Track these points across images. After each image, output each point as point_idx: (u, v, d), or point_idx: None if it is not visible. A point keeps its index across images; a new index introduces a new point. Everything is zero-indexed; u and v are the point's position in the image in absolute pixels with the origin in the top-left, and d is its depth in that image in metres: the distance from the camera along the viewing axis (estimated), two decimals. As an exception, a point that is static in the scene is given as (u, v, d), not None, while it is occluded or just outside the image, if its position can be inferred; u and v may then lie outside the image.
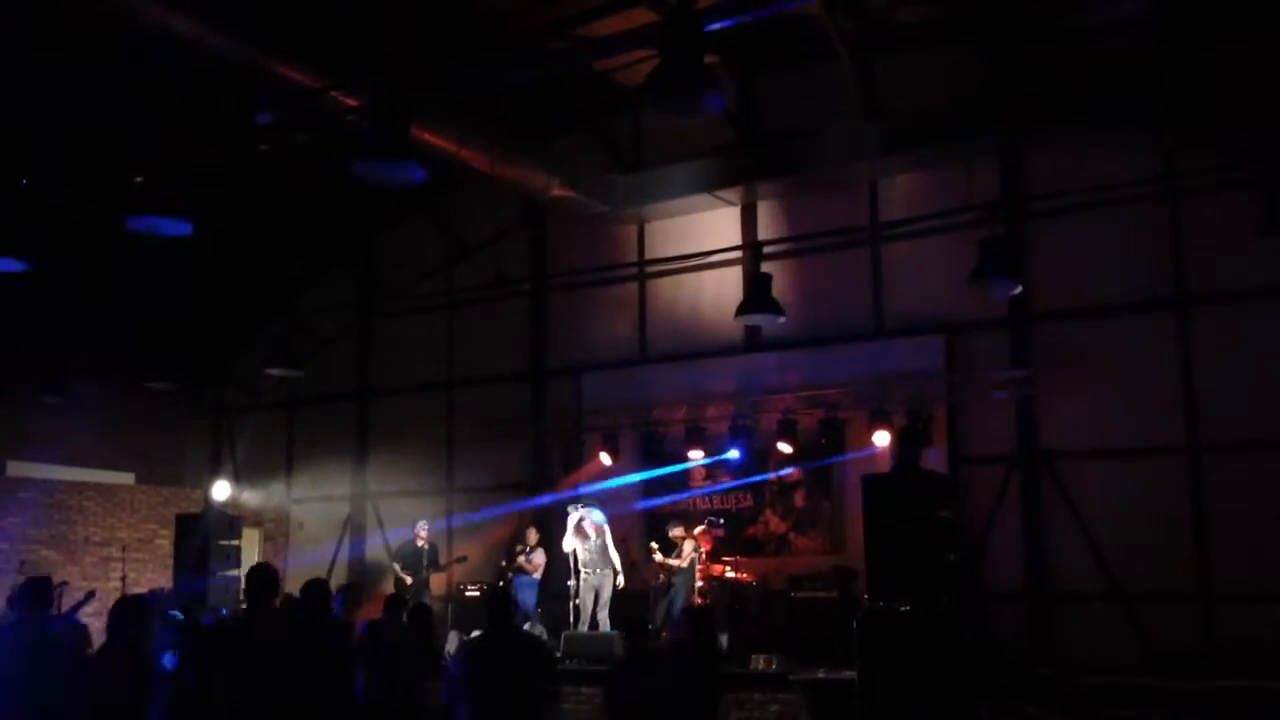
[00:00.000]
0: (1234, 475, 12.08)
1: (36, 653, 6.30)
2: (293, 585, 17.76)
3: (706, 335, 15.25)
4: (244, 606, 8.95)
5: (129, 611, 6.60)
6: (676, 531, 13.78)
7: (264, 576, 7.00)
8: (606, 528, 13.98)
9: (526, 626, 13.32)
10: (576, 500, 14.35)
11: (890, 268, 14.28)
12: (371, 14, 12.55)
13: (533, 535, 14.93)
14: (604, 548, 13.85)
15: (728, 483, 14.85)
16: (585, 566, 13.86)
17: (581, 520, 13.88)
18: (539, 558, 14.69)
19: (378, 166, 9.65)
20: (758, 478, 14.64)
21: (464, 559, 15.55)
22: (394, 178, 10.09)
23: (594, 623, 13.67)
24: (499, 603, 7.18)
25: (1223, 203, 12.01)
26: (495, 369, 16.83)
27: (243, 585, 9.89)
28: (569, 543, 13.96)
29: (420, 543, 15.19)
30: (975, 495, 13.35)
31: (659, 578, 13.80)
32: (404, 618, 9.40)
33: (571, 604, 13.96)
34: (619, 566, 13.93)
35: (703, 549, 13.68)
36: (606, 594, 13.78)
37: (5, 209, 10.64)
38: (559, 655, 12.85)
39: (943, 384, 13.54)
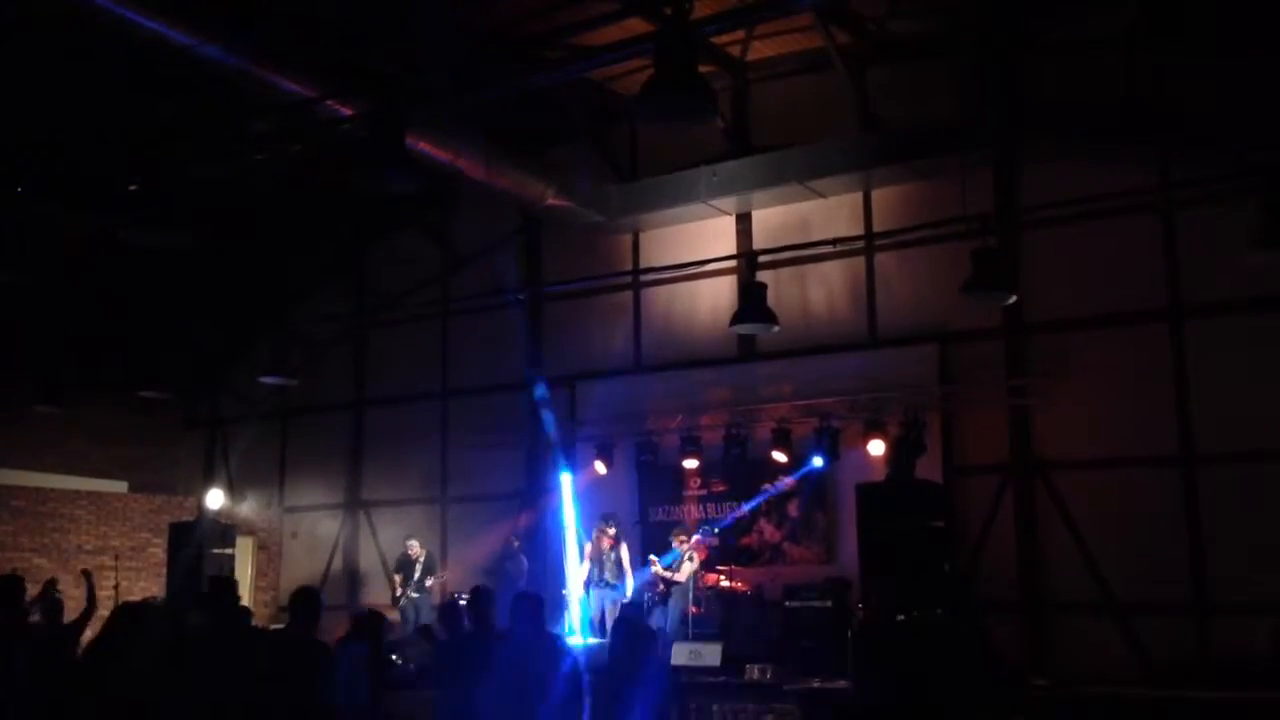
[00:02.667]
0: (1229, 486, 12.08)
1: None
2: (285, 594, 17.88)
3: (701, 345, 15.25)
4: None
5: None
6: (680, 540, 13.76)
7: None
8: (623, 541, 14.00)
9: None
10: (608, 518, 14.32)
11: (885, 278, 14.30)
12: (367, 23, 12.56)
13: (515, 542, 14.99)
14: (618, 561, 13.86)
15: (722, 492, 14.84)
16: (596, 580, 13.87)
17: (601, 534, 13.90)
18: (524, 564, 14.77)
19: (373, 176, 9.67)
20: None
21: (442, 578, 15.63)
22: (389, 187, 10.11)
23: (601, 632, 13.65)
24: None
25: (1217, 214, 12.03)
26: (490, 379, 16.82)
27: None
28: (586, 556, 13.98)
29: (413, 555, 15.32)
30: (970, 505, 13.34)
31: (658, 587, 13.77)
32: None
33: (566, 614, 13.94)
34: (629, 580, 13.94)
35: (697, 558, 13.67)
36: (612, 609, 13.75)
37: (2, 218, 10.64)
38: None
39: (937, 394, 13.54)
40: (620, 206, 15.10)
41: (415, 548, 15.47)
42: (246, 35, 11.10)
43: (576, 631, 13.86)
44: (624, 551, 13.98)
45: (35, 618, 11.91)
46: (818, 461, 13.84)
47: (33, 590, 14.26)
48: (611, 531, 14.00)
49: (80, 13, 10.35)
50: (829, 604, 12.83)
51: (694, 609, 13.38)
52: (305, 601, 7.18)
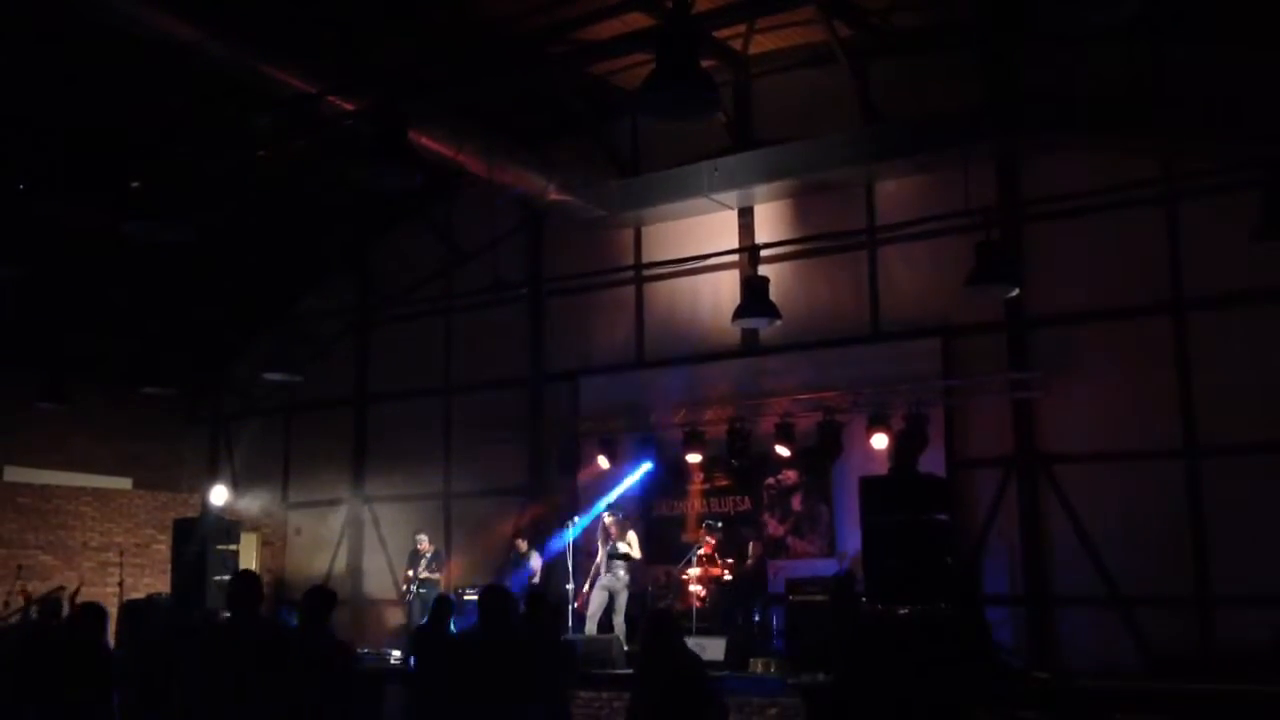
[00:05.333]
0: (1231, 478, 12.08)
1: None
2: (289, 590, 17.93)
3: (704, 339, 15.25)
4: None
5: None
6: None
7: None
8: (631, 531, 13.98)
9: None
10: (612, 507, 14.31)
11: (887, 271, 14.29)
12: (369, 19, 12.56)
13: (522, 544, 14.96)
14: (622, 551, 13.84)
15: (725, 486, 14.84)
16: (601, 569, 13.86)
17: (613, 521, 13.92)
18: (535, 562, 14.73)
19: (375, 171, 9.67)
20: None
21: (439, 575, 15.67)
22: (391, 182, 10.10)
23: (608, 627, 13.60)
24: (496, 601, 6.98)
25: (1219, 206, 12.02)
26: (493, 374, 16.83)
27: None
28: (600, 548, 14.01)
29: (422, 550, 15.39)
30: (973, 498, 13.35)
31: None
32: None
33: (570, 608, 13.94)
34: (632, 571, 13.87)
35: (703, 551, 13.69)
36: (622, 599, 13.67)
37: (4, 214, 10.65)
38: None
39: (940, 387, 13.53)
40: (622, 201, 15.09)
41: (424, 542, 15.53)
42: (249, 31, 11.12)
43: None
44: (631, 538, 13.87)
45: (33, 615, 12.05)
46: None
47: (40, 588, 14.44)
48: (619, 517, 13.98)
49: (85, 8, 10.37)
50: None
51: (698, 603, 13.39)
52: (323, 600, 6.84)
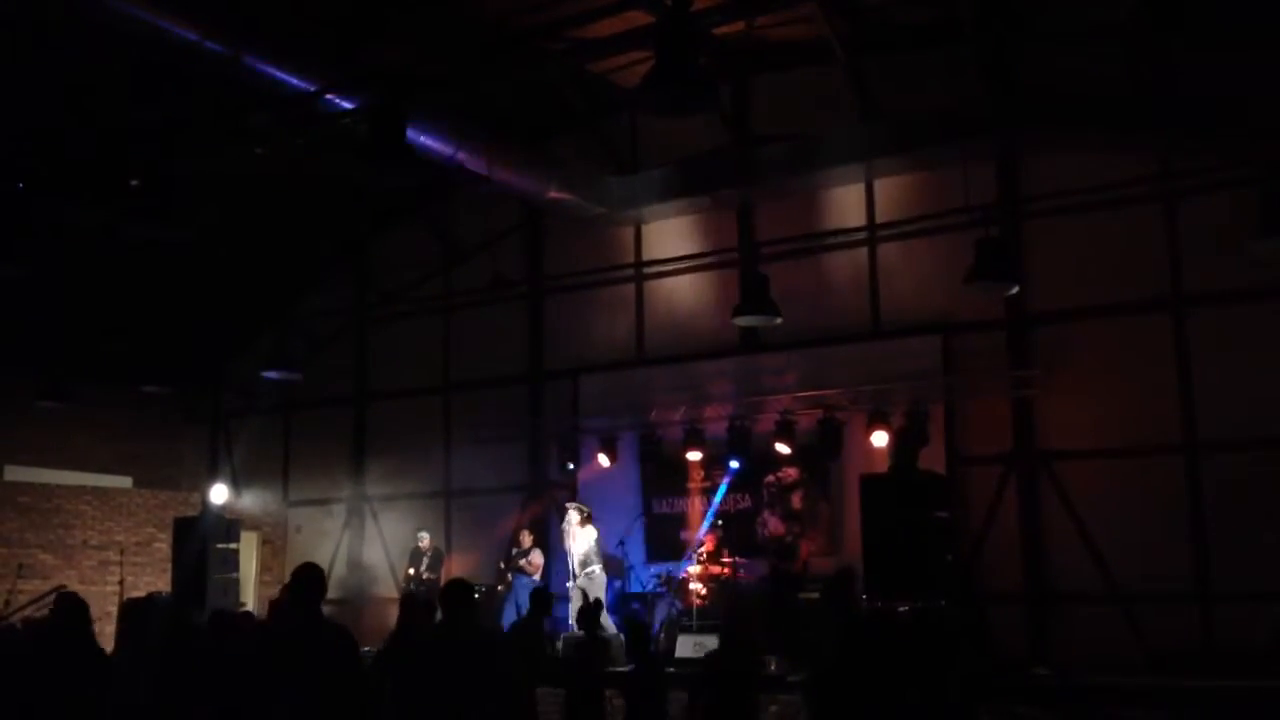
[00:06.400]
0: (1231, 475, 12.09)
1: None
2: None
3: (704, 337, 15.26)
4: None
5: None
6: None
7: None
8: (591, 528, 13.94)
9: None
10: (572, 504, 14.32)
11: (887, 269, 14.30)
12: (368, 17, 12.56)
13: (526, 538, 14.96)
14: (588, 549, 13.80)
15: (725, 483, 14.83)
16: (575, 571, 13.86)
17: (568, 522, 13.92)
18: (537, 558, 14.74)
19: (373, 168, 9.66)
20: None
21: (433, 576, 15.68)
22: (386, 177, 10.08)
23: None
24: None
25: (1219, 204, 12.03)
26: (492, 371, 16.83)
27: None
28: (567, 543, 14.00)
29: (423, 547, 15.42)
30: (973, 495, 13.36)
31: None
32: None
33: (570, 606, 13.94)
34: (588, 556, 13.85)
35: (705, 549, 13.70)
36: (597, 595, 13.67)
37: (4, 214, 10.64)
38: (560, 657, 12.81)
39: (940, 384, 13.54)
40: (621, 199, 15.10)
41: (426, 540, 15.61)
42: (247, 29, 11.11)
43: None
44: (589, 532, 13.87)
45: (45, 614, 12.06)
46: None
47: (40, 586, 14.45)
48: (585, 514, 13.99)
49: (83, 7, 10.36)
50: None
51: (698, 600, 13.39)
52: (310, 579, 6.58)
